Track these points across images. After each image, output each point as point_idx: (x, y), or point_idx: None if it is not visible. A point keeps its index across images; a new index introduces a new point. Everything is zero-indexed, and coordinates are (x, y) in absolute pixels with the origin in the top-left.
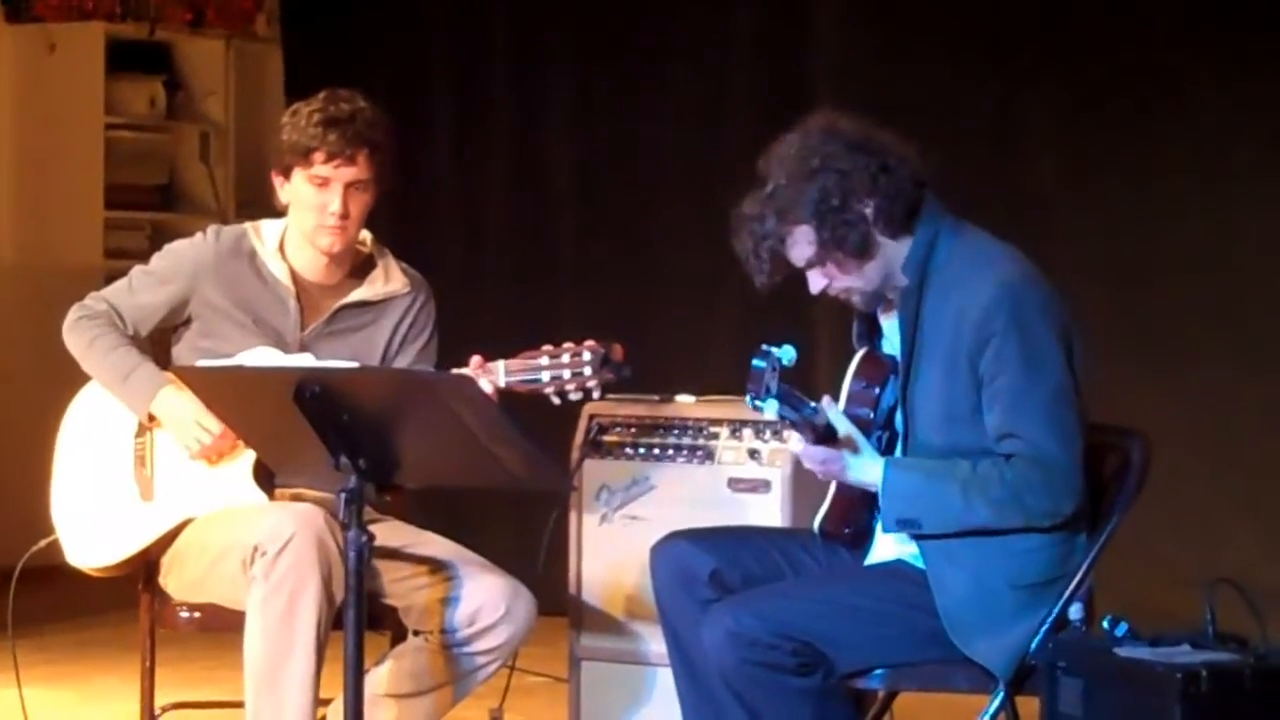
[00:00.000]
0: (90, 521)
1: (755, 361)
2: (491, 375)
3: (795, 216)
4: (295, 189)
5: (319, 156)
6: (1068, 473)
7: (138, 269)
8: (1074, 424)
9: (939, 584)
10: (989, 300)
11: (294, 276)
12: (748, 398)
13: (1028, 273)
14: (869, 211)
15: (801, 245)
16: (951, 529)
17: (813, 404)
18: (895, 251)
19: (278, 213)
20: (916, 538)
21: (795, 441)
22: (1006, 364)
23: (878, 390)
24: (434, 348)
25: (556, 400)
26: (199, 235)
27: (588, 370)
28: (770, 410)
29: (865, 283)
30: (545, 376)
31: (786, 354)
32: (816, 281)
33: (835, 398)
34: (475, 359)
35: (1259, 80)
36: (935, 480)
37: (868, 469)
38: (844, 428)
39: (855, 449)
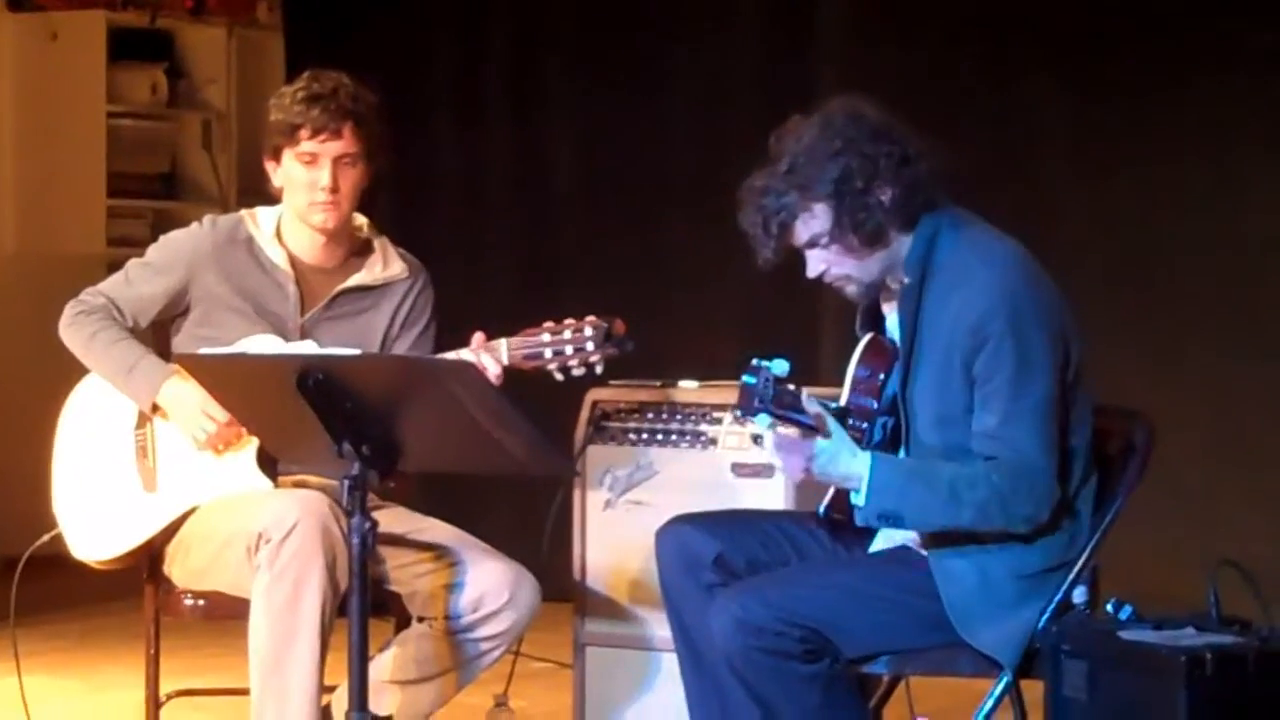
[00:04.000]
0: (94, 515)
1: (745, 378)
2: (494, 353)
3: (815, 193)
4: (286, 170)
5: (305, 133)
6: (1048, 480)
7: (134, 261)
8: (1054, 434)
9: (943, 574)
10: (987, 304)
11: (292, 261)
12: (738, 412)
13: (1028, 275)
14: (887, 199)
15: (815, 223)
16: (933, 527)
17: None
18: (901, 246)
19: (277, 201)
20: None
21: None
22: (1000, 367)
23: (882, 376)
24: (433, 332)
25: (560, 376)
26: (194, 225)
27: (590, 345)
28: (762, 425)
29: (865, 273)
30: (548, 353)
31: (778, 367)
32: (815, 264)
33: (839, 384)
34: (478, 336)
35: (1264, 68)
36: (921, 476)
37: (853, 462)
38: (829, 425)
39: (839, 445)
